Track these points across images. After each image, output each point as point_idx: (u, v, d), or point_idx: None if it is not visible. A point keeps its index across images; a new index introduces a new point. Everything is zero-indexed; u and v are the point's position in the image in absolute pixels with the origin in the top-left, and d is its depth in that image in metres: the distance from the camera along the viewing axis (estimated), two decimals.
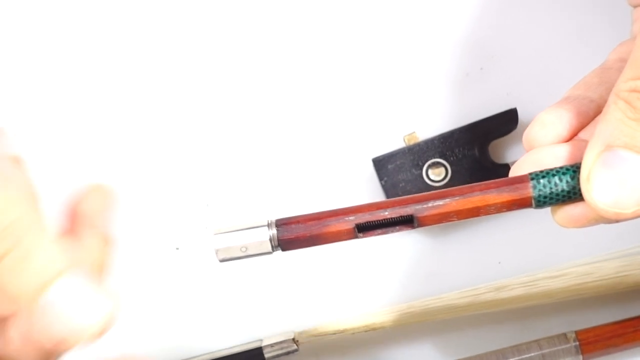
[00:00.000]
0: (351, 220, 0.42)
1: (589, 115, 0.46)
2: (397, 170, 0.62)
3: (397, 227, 0.42)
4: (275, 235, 0.42)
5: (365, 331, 0.62)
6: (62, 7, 0.63)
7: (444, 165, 0.62)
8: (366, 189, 0.63)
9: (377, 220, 0.42)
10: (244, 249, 0.41)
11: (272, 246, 0.42)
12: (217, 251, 0.41)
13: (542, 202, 0.43)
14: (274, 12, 0.64)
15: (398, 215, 0.42)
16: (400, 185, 0.62)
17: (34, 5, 0.63)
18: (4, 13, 0.63)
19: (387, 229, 0.42)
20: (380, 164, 0.62)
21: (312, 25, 0.64)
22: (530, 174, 0.43)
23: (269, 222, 0.42)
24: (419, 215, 0.42)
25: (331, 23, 0.64)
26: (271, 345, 0.62)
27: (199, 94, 0.64)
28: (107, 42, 0.64)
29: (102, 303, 0.40)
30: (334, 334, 0.62)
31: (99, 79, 0.63)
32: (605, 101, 0.43)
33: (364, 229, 0.42)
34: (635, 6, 0.50)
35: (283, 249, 0.42)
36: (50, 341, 0.39)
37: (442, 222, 0.43)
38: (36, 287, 0.39)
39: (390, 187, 0.62)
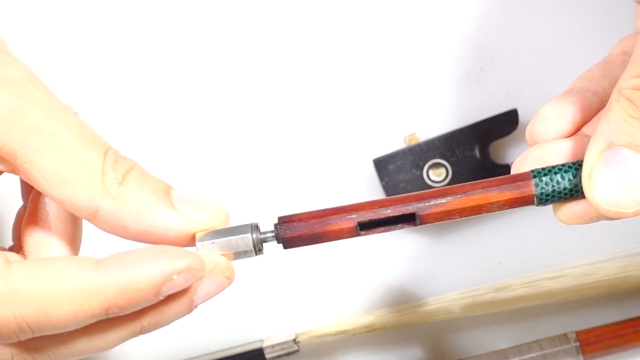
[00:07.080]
0: (353, 219, 0.41)
1: (592, 109, 0.46)
2: (398, 170, 0.62)
3: (399, 225, 0.42)
4: (259, 238, 0.41)
5: (366, 332, 0.62)
6: (71, 10, 0.64)
7: (445, 166, 0.62)
8: (367, 190, 0.63)
9: (379, 219, 0.42)
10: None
11: (255, 250, 0.41)
12: None
13: (544, 200, 0.43)
14: (276, 14, 0.64)
15: (400, 213, 0.42)
16: (401, 185, 0.62)
17: (42, 9, 0.64)
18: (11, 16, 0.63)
19: (389, 227, 0.42)
20: (381, 164, 0.62)
21: (314, 27, 0.64)
22: (532, 171, 0.43)
23: (252, 225, 0.42)
24: (421, 213, 0.42)
25: (333, 25, 0.64)
26: (272, 346, 0.61)
27: (202, 96, 0.64)
28: (106, 43, 0.64)
29: (214, 206, 0.42)
30: (335, 334, 0.62)
31: (96, 79, 0.63)
32: (608, 94, 0.43)
33: (366, 227, 0.42)
34: (639, 2, 0.50)
35: (285, 247, 0.42)
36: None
37: (444, 220, 0.42)
38: (161, 195, 0.41)
39: (390, 188, 0.62)
